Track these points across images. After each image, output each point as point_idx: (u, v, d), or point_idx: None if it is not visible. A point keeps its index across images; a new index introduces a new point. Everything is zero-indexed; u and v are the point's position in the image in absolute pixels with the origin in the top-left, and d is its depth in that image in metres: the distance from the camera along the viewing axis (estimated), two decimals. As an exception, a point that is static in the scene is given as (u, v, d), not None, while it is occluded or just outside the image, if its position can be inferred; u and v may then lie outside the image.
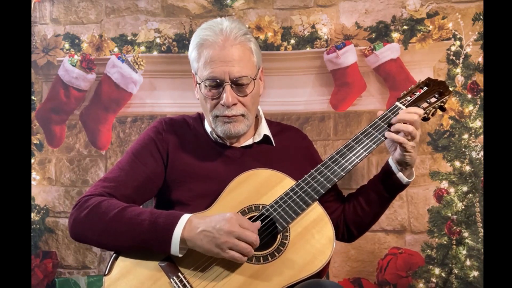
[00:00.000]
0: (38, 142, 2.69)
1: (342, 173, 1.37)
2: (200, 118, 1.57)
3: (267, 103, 2.48)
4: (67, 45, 2.67)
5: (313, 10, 2.57)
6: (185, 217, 1.28)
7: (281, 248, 1.30)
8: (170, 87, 2.62)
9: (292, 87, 2.57)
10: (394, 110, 1.43)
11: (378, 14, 2.54)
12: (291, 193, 1.36)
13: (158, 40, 2.61)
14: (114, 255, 1.34)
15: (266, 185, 1.39)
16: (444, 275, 2.44)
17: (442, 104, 1.49)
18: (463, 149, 2.44)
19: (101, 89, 2.64)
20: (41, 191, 2.67)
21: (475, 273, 2.39)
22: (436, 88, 1.49)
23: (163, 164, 1.46)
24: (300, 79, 2.57)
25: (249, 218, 1.33)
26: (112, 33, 2.66)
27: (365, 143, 1.40)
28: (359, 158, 1.39)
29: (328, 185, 1.36)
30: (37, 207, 2.65)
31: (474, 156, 2.43)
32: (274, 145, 1.53)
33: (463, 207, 2.43)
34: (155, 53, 2.62)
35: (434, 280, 2.45)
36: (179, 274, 1.27)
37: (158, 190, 1.47)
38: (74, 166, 2.67)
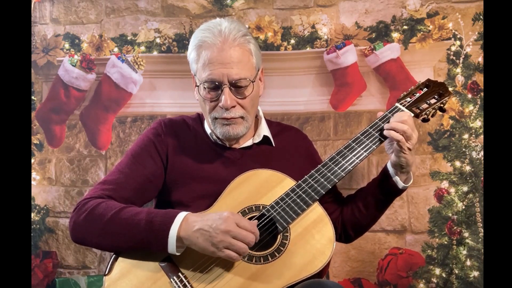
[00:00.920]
0: (38, 142, 2.69)
1: (342, 173, 1.38)
2: (200, 119, 1.57)
3: (267, 103, 2.48)
4: (67, 45, 2.67)
5: (313, 10, 2.57)
6: (181, 215, 1.28)
7: (281, 248, 1.30)
8: (170, 87, 2.62)
9: (292, 87, 2.57)
10: (394, 111, 1.43)
11: (378, 14, 2.54)
12: (291, 194, 1.36)
13: (158, 40, 2.61)
14: (114, 255, 1.34)
15: (266, 186, 1.39)
16: (444, 275, 2.44)
17: (442, 105, 1.49)
18: (463, 149, 2.44)
19: (101, 89, 2.64)
20: (41, 191, 2.67)
21: (476, 273, 2.39)
22: (436, 89, 1.49)
23: (163, 166, 1.46)
24: (300, 79, 2.57)
25: (249, 219, 1.33)
26: (112, 33, 2.66)
27: (365, 143, 1.40)
28: (359, 158, 1.39)
29: (329, 185, 1.36)
30: (37, 207, 2.65)
31: (474, 156, 2.43)
32: (274, 145, 1.53)
33: (463, 207, 2.43)
34: (155, 53, 2.62)
35: (434, 280, 2.45)
36: (179, 274, 1.27)
37: (157, 191, 1.47)
38: (74, 166, 2.67)
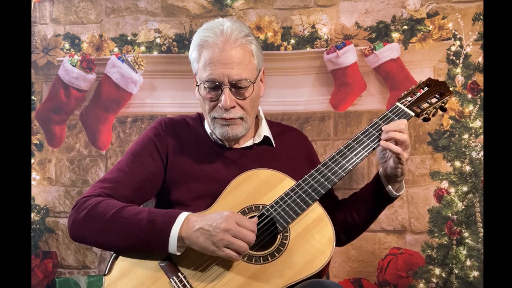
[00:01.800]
0: (38, 142, 2.69)
1: (342, 173, 1.37)
2: (200, 118, 1.56)
3: (267, 103, 2.48)
4: (67, 45, 2.67)
5: (313, 10, 2.57)
6: (183, 215, 1.28)
7: (281, 248, 1.30)
8: (170, 87, 2.62)
9: (292, 87, 2.57)
10: (395, 110, 1.43)
11: (378, 14, 2.54)
12: (291, 193, 1.36)
13: (158, 40, 2.61)
14: (114, 255, 1.34)
15: (266, 185, 1.39)
16: (444, 275, 2.44)
17: (443, 104, 1.49)
18: (463, 149, 2.44)
19: (101, 89, 2.64)
20: (41, 191, 2.67)
21: (475, 273, 2.39)
22: (437, 89, 1.49)
23: (163, 165, 1.46)
24: (300, 79, 2.57)
25: (249, 218, 1.33)
26: (112, 33, 2.66)
27: (366, 143, 1.39)
28: (360, 158, 1.38)
29: (329, 185, 1.36)
30: (37, 207, 2.65)
31: (474, 156, 2.43)
32: (274, 146, 1.53)
33: (463, 207, 2.43)
34: (155, 53, 2.62)
35: (434, 280, 2.44)
36: (179, 274, 1.27)
37: (157, 191, 1.47)
38: (74, 166, 2.67)
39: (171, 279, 1.26)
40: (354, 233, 1.55)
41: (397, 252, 2.50)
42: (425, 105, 1.45)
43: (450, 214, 2.44)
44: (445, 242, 2.44)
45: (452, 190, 2.46)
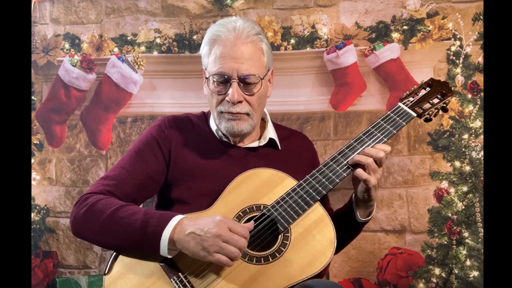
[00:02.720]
0: (38, 142, 2.69)
1: (344, 174, 1.37)
2: (205, 116, 1.56)
3: (267, 103, 2.45)
4: (67, 45, 2.67)
5: (313, 10, 2.57)
6: (176, 219, 1.27)
7: (282, 248, 1.30)
8: (170, 87, 2.62)
9: (292, 87, 2.57)
10: (397, 111, 1.43)
11: (378, 14, 2.54)
12: (292, 193, 1.35)
13: (158, 40, 2.61)
14: (114, 254, 1.33)
15: (267, 185, 1.38)
16: (444, 275, 2.44)
17: (445, 105, 1.48)
18: (463, 149, 2.44)
19: (101, 89, 2.64)
20: (41, 191, 2.67)
21: (475, 273, 2.39)
22: (439, 89, 1.48)
23: (165, 163, 1.46)
24: (300, 79, 2.57)
25: (250, 218, 1.33)
26: (112, 33, 2.66)
27: (367, 144, 1.39)
28: (361, 158, 1.38)
29: (330, 185, 1.36)
30: (37, 207, 2.65)
31: (474, 156, 2.43)
32: (279, 149, 1.53)
33: (463, 207, 2.43)
34: (155, 53, 2.62)
35: (434, 280, 2.45)
36: (180, 274, 1.27)
37: (159, 188, 1.47)
38: (75, 166, 2.67)
39: (171, 279, 1.26)
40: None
41: (397, 252, 2.50)
42: (427, 105, 1.45)
43: (450, 214, 2.45)
44: (445, 242, 2.45)
45: (452, 190, 2.46)
